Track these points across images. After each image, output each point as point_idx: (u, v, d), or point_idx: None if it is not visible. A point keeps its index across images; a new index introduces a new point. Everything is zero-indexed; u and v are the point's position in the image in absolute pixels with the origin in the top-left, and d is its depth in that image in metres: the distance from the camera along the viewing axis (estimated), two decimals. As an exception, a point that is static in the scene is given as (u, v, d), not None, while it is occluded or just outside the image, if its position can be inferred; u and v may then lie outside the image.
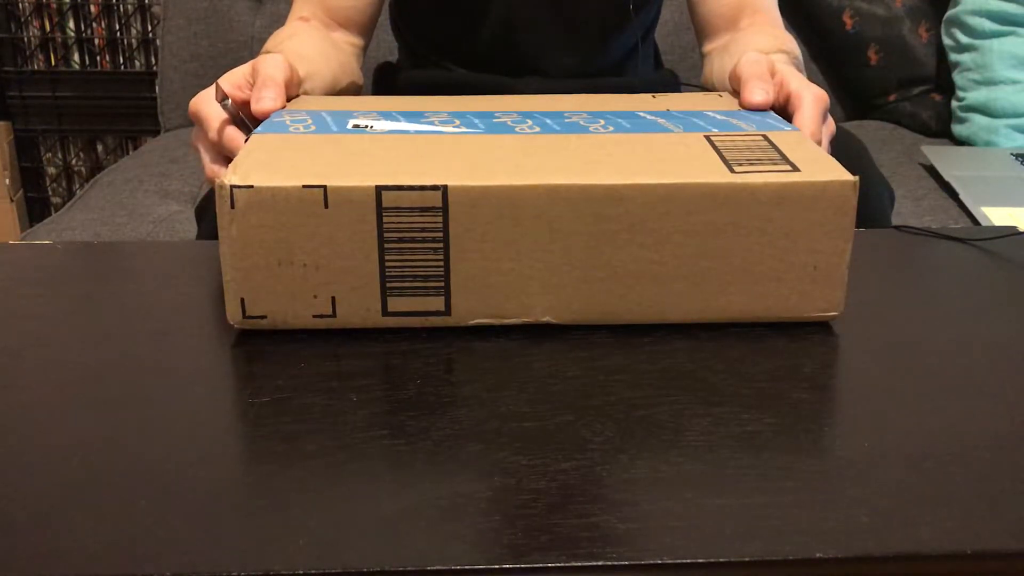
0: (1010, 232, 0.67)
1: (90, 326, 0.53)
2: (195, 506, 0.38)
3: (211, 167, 0.64)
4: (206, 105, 0.63)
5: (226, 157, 0.63)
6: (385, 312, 0.51)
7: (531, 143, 0.56)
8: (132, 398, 0.46)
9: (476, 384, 0.47)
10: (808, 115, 0.64)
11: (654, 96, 0.70)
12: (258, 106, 0.62)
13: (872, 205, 0.80)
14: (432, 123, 0.60)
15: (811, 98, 0.65)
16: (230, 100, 0.62)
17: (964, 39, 1.54)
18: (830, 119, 0.68)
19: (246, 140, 0.56)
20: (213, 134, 0.63)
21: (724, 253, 0.51)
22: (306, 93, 0.74)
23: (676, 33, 1.63)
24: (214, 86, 0.63)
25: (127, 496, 0.38)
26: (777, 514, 0.38)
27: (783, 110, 0.67)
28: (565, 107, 0.65)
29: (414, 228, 0.49)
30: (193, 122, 0.65)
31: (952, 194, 1.30)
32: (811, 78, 0.72)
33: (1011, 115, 1.49)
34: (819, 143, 0.64)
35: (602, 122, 0.61)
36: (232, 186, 0.48)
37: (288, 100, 0.66)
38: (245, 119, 0.63)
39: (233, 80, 0.65)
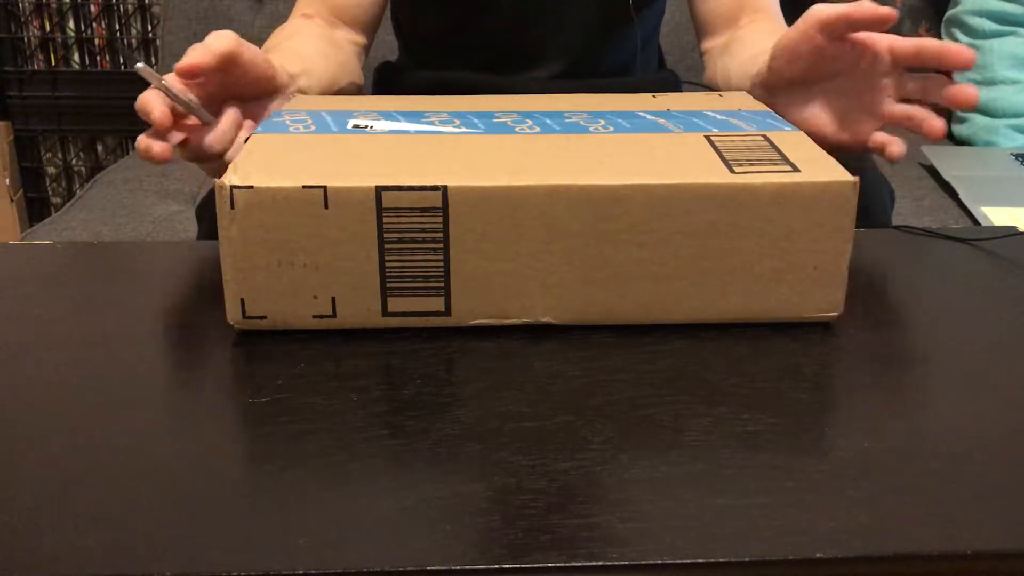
0: (1010, 232, 0.67)
1: (90, 326, 0.53)
2: (195, 506, 0.38)
3: (142, 138, 0.62)
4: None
5: (156, 131, 0.62)
6: (385, 312, 0.51)
7: (531, 143, 0.56)
8: (132, 398, 0.46)
9: (476, 384, 0.47)
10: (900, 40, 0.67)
11: (654, 96, 0.70)
12: (180, 62, 0.61)
13: (872, 205, 0.80)
14: (432, 123, 0.60)
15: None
16: (143, 64, 0.61)
17: (964, 39, 1.54)
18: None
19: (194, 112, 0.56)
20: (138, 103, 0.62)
21: (724, 253, 0.51)
22: (302, 92, 0.74)
23: (676, 33, 1.63)
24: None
25: (127, 496, 0.38)
26: (777, 514, 0.38)
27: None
28: (565, 107, 0.65)
29: (414, 228, 0.49)
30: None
31: (952, 194, 1.30)
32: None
33: (1011, 115, 1.49)
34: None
35: (602, 122, 0.61)
36: (232, 186, 0.48)
37: (238, 76, 0.66)
38: (173, 95, 0.62)
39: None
